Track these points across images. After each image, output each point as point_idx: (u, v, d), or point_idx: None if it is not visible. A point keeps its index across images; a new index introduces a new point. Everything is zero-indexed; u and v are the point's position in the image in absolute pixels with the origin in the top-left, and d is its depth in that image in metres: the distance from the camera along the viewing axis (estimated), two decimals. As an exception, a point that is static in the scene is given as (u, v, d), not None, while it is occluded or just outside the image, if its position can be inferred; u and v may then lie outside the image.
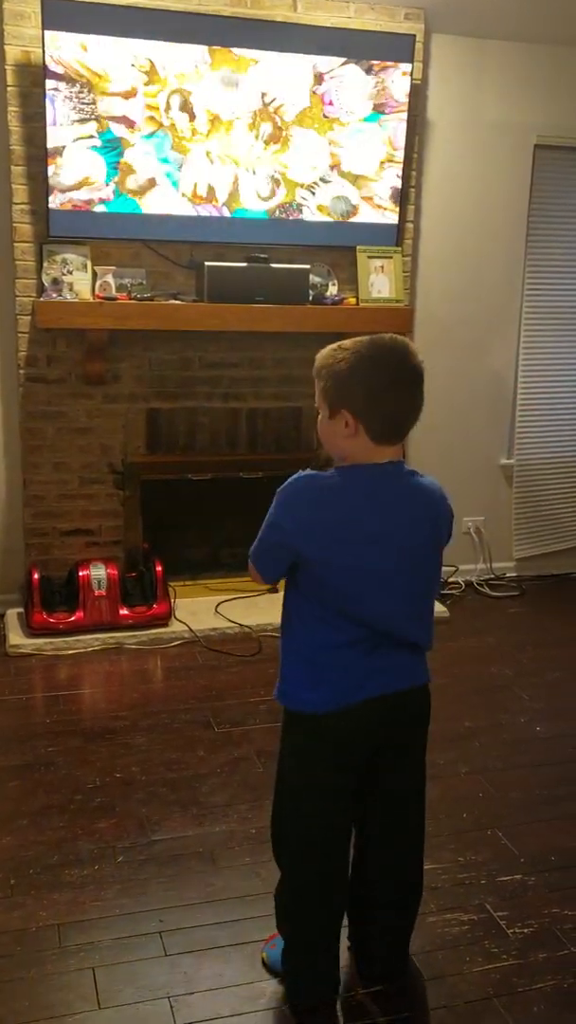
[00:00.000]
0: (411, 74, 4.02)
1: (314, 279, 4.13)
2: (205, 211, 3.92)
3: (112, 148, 3.74)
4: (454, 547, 4.78)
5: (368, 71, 3.95)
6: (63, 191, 3.72)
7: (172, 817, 2.72)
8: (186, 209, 3.89)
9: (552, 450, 4.83)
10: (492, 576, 4.83)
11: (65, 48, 3.58)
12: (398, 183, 4.13)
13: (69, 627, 3.90)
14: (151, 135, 3.77)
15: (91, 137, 3.70)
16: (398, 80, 3.99)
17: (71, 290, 3.84)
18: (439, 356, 4.51)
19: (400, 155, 4.10)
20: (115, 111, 3.71)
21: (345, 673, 1.87)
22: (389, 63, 3.96)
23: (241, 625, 4.05)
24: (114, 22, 3.63)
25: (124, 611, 3.98)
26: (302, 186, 4.00)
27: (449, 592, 4.61)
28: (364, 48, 3.93)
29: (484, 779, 2.97)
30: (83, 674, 3.68)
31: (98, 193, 3.77)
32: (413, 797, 2.05)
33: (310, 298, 4.07)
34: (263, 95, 3.86)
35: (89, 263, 3.87)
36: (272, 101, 3.87)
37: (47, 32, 3.56)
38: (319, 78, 3.90)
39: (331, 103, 3.95)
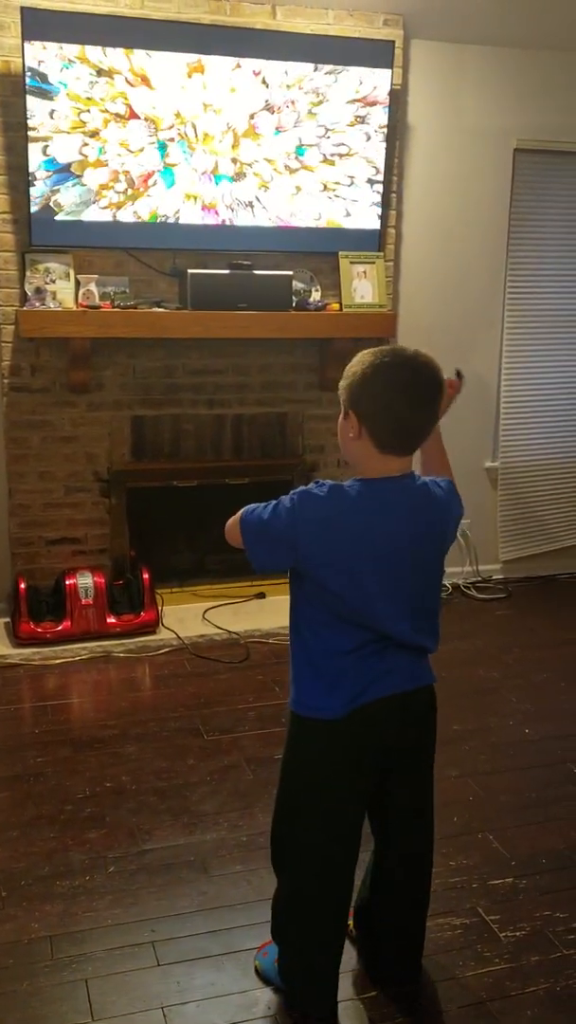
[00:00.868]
0: (391, 80, 4.04)
1: (297, 285, 4.14)
2: (187, 219, 3.92)
3: (91, 157, 3.75)
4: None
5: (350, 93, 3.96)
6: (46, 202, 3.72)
7: (163, 826, 2.72)
8: (169, 217, 3.90)
9: (536, 452, 4.85)
10: (479, 579, 4.84)
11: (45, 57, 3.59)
12: (379, 189, 4.15)
13: (56, 636, 3.89)
14: (132, 142, 3.78)
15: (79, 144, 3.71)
16: (380, 86, 4.01)
17: (54, 299, 3.84)
18: (423, 360, 4.53)
19: (381, 161, 4.11)
20: (97, 119, 3.71)
21: (357, 677, 1.89)
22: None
23: (229, 632, 4.05)
24: (93, 31, 3.63)
25: (111, 619, 3.97)
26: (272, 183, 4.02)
27: (436, 595, 4.61)
28: (343, 55, 3.95)
29: (474, 782, 2.98)
30: (71, 683, 3.67)
31: (85, 200, 3.77)
32: (424, 808, 2.09)
33: (293, 304, 4.08)
34: (247, 100, 3.86)
35: (72, 272, 3.87)
36: (254, 106, 3.88)
37: (27, 42, 3.55)
38: (301, 85, 3.91)
39: (310, 110, 3.96)
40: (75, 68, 3.63)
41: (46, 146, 3.68)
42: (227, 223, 3.98)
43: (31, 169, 3.68)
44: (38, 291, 3.82)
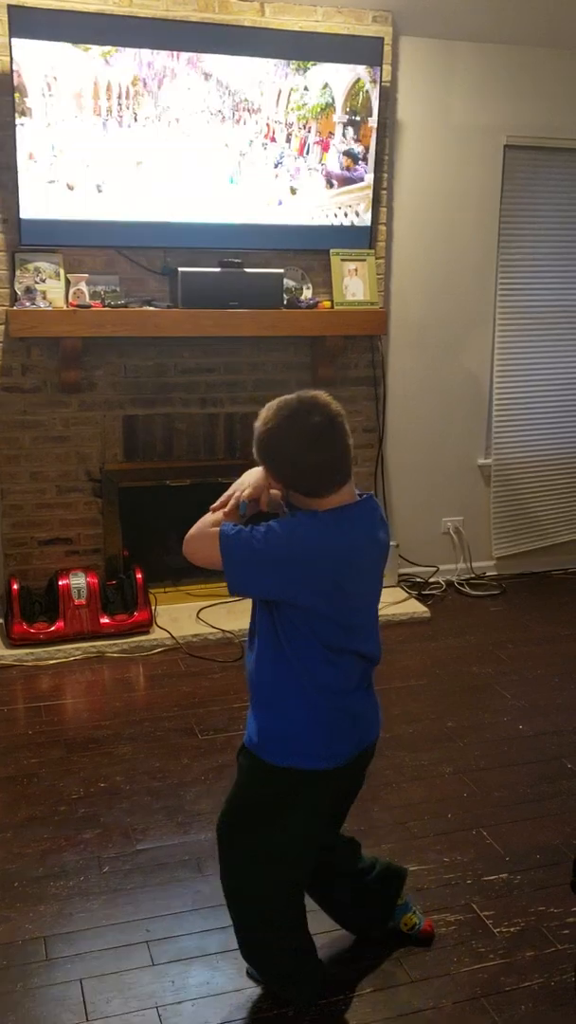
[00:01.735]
0: (380, 77, 4.03)
1: (288, 283, 4.13)
2: (178, 217, 3.92)
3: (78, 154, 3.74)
4: (435, 547, 4.82)
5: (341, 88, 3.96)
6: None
7: (157, 826, 2.71)
8: (159, 215, 3.89)
9: (529, 449, 4.85)
10: (472, 575, 4.84)
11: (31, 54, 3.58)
12: (370, 186, 4.15)
13: (50, 637, 3.88)
14: (118, 139, 3.77)
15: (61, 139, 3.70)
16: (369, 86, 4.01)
17: (44, 298, 3.83)
18: (414, 357, 4.54)
19: (371, 158, 4.11)
20: (84, 117, 3.70)
21: (357, 720, 1.92)
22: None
23: (223, 631, 4.05)
24: (80, 29, 3.62)
25: (105, 619, 3.96)
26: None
27: (430, 592, 4.62)
28: (332, 52, 3.94)
29: (468, 778, 2.98)
30: (65, 684, 3.66)
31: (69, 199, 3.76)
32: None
33: (285, 302, 4.07)
34: (233, 99, 3.86)
35: (62, 271, 3.86)
36: (242, 104, 3.88)
37: (14, 40, 3.55)
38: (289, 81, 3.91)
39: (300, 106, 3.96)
40: (66, 65, 3.62)
41: (35, 144, 3.66)
42: (218, 221, 3.97)
43: (19, 168, 3.66)
44: (28, 291, 3.81)
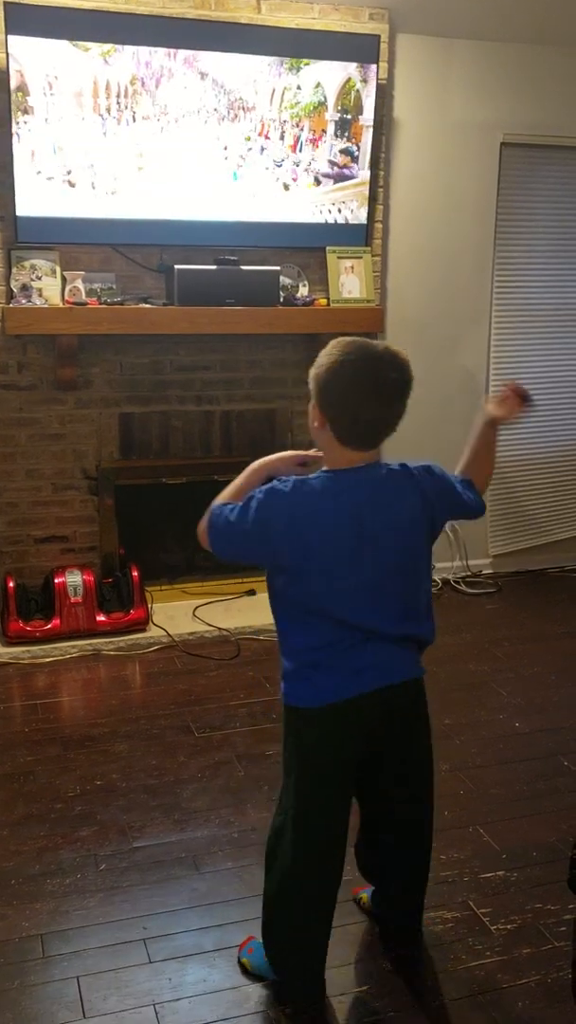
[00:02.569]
0: (376, 74, 4.03)
1: (284, 280, 4.13)
2: (174, 215, 3.91)
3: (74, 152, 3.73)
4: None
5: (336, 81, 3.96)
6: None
7: (154, 823, 2.71)
8: (155, 213, 3.88)
9: (525, 446, 4.85)
10: (468, 573, 4.85)
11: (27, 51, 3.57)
12: (365, 183, 4.14)
13: (46, 635, 3.88)
14: (116, 137, 3.76)
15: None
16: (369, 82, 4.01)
17: (40, 296, 3.82)
18: (410, 355, 4.48)
19: (365, 156, 4.11)
20: (84, 115, 3.70)
21: (331, 672, 1.90)
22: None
23: (219, 629, 4.04)
24: (77, 26, 3.61)
25: (101, 617, 3.96)
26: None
27: (426, 590, 4.62)
28: (329, 49, 3.94)
29: (464, 776, 2.98)
30: (61, 682, 3.66)
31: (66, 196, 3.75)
32: (419, 775, 2.13)
33: (281, 299, 4.07)
34: (228, 98, 3.85)
35: (58, 268, 3.85)
36: (236, 102, 3.87)
37: (10, 36, 3.54)
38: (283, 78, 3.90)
39: (295, 103, 3.96)
40: (62, 63, 3.61)
41: (31, 142, 3.65)
42: (214, 218, 3.97)
43: (15, 165, 3.65)
44: (24, 288, 3.80)
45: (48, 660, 3.80)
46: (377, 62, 4.03)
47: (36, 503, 4.11)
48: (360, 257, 4.22)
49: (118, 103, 3.73)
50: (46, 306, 3.80)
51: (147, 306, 3.91)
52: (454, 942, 2.25)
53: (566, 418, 4.94)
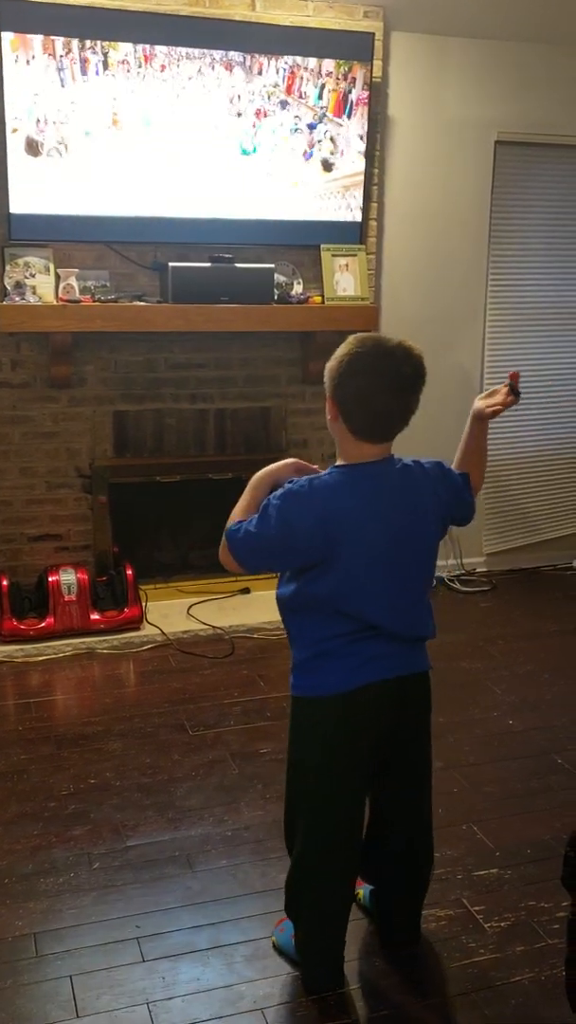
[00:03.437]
0: (371, 72, 4.03)
1: (279, 278, 4.12)
2: (168, 212, 3.90)
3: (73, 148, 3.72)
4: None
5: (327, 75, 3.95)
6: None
7: (147, 822, 2.71)
8: (149, 210, 3.87)
9: (520, 445, 4.86)
10: (463, 572, 4.85)
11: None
12: (361, 179, 4.14)
13: (40, 633, 3.87)
14: (109, 134, 3.76)
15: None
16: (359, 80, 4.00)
17: (34, 293, 3.81)
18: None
19: (362, 153, 4.11)
20: (77, 110, 3.69)
21: (343, 660, 1.92)
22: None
23: (213, 627, 4.04)
24: (70, 22, 3.60)
25: (95, 616, 3.95)
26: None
27: (420, 588, 4.62)
28: (323, 47, 3.93)
29: (459, 774, 2.98)
30: (55, 680, 3.65)
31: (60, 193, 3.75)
32: (423, 772, 2.17)
33: (275, 297, 4.06)
34: (225, 95, 3.85)
35: (52, 266, 3.84)
36: (234, 100, 3.87)
37: (3, 32, 3.52)
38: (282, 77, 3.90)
39: (295, 99, 3.95)
40: (56, 61, 3.60)
41: (25, 139, 3.64)
42: (208, 216, 3.96)
43: (9, 162, 3.64)
44: (18, 285, 3.79)
45: (42, 659, 3.79)
46: (372, 60, 4.02)
47: (30, 501, 4.10)
48: (355, 255, 4.22)
49: (111, 99, 3.72)
50: (40, 304, 3.79)
51: (141, 304, 3.90)
52: (448, 940, 2.25)
53: (560, 416, 4.94)
